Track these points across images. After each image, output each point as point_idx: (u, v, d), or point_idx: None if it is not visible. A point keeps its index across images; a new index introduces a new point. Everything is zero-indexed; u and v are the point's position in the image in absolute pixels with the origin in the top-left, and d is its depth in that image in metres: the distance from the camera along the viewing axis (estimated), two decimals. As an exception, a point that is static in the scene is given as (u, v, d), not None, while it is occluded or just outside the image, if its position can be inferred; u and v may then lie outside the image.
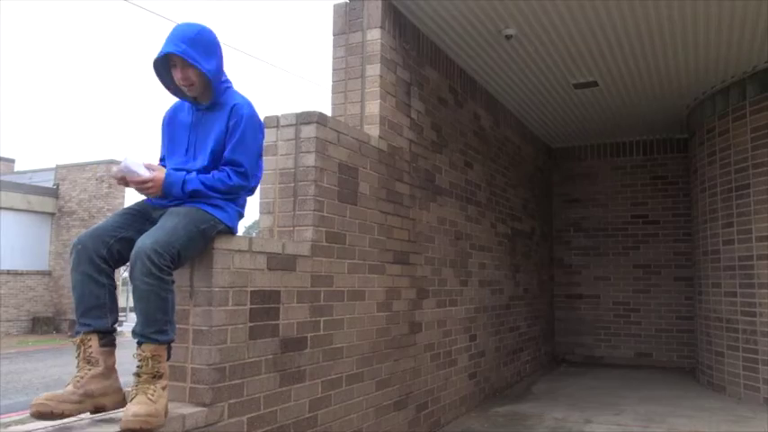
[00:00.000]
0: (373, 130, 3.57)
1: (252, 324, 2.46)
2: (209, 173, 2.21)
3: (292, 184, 2.96)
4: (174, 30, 2.20)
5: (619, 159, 7.42)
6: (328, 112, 3.56)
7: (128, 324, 14.10)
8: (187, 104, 2.34)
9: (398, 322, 3.68)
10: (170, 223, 2.04)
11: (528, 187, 6.57)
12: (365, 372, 3.29)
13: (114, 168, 2.22)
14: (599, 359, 7.22)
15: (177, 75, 2.20)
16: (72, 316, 10.12)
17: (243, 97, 2.32)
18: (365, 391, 3.29)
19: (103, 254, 2.02)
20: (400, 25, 3.90)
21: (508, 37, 4.30)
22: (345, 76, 3.71)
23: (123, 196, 13.88)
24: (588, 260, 7.46)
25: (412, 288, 3.87)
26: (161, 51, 2.16)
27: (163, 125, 2.41)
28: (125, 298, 17.98)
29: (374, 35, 3.66)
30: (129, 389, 1.93)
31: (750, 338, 5.01)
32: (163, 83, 2.29)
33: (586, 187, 7.53)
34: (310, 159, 2.93)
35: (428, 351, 4.07)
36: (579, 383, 5.92)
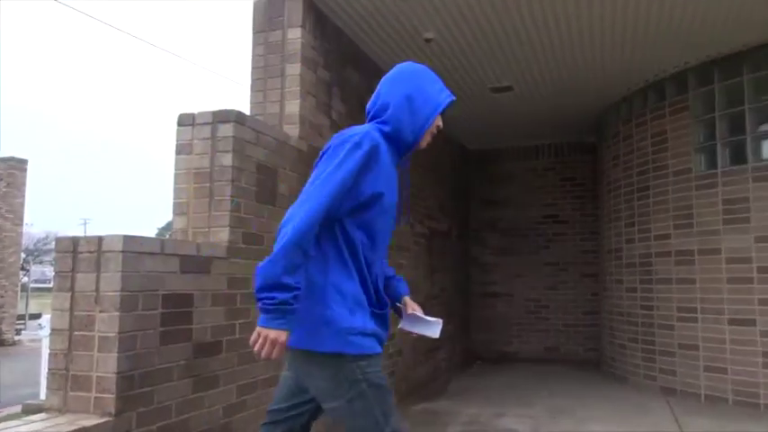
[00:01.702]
0: (293, 131, 3.54)
1: (163, 329, 2.38)
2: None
3: (208, 185, 2.88)
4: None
5: (532, 161, 7.71)
6: (247, 111, 3.50)
7: (26, 332, 13.33)
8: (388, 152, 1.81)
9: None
10: None
11: (445, 188, 6.71)
12: (281, 375, 3.25)
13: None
14: (512, 355, 7.48)
15: (438, 121, 1.93)
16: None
17: None
18: (282, 394, 3.25)
19: None
20: (321, 25, 3.88)
21: (428, 40, 4.37)
22: (265, 74, 3.65)
23: (23, 195, 12.89)
24: (503, 259, 7.71)
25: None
26: (450, 96, 1.95)
27: (382, 167, 1.75)
28: (24, 304, 16.93)
29: (295, 34, 3.62)
30: None
31: (648, 331, 5.34)
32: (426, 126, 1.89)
33: (501, 188, 7.78)
34: (227, 159, 2.86)
35: (347, 351, 4.06)
36: (493, 379, 6.11)
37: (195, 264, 2.59)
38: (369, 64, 4.57)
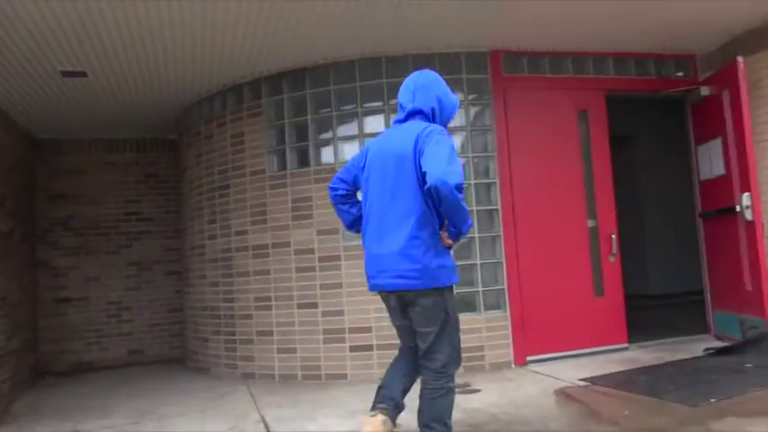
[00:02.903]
0: None
1: None
2: None
3: None
4: None
5: (112, 155, 7.25)
6: None
7: None
8: None
9: None
10: None
11: (6, 182, 5.77)
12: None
13: None
14: (89, 364, 6.90)
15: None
16: None
17: None
18: None
19: None
20: None
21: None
22: None
23: None
24: (77, 261, 7.05)
25: None
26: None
27: None
28: None
29: None
30: None
31: (230, 322, 5.63)
32: None
33: (76, 183, 7.09)
34: None
35: None
36: (66, 393, 5.55)
37: None
38: None
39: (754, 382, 3.93)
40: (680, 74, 5.84)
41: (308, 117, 5.32)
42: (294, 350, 5.21)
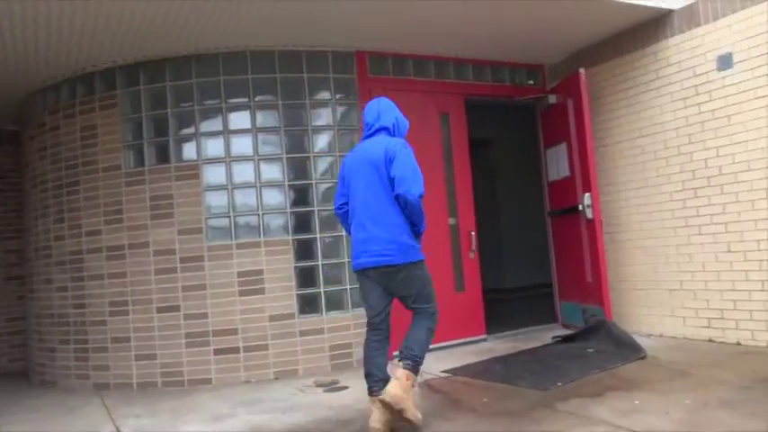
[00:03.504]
0: None
1: None
2: None
3: None
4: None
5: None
6: None
7: None
8: None
9: None
10: None
11: None
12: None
13: None
14: None
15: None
16: None
17: None
18: None
19: None
20: None
21: None
22: None
23: None
24: None
25: None
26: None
27: None
28: None
29: None
30: None
31: (80, 329, 5.22)
32: None
33: None
34: None
35: None
36: None
37: None
38: None
39: (594, 365, 4.33)
40: (531, 82, 6.29)
41: (169, 111, 5.07)
42: (154, 356, 4.95)
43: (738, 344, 4.58)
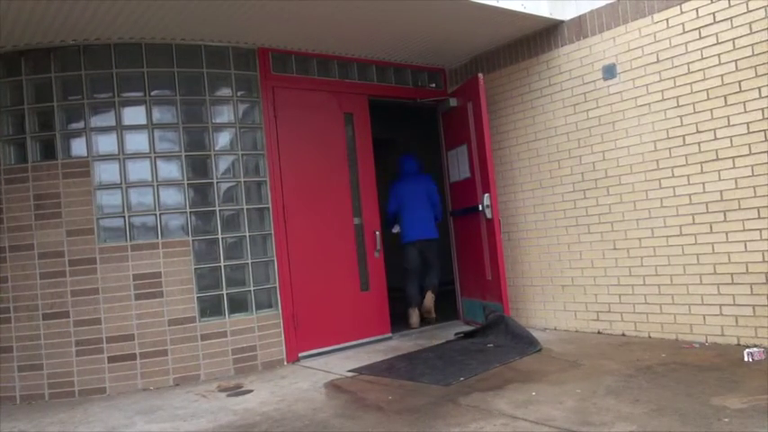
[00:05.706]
0: None
1: None
2: None
3: None
4: None
5: None
6: None
7: None
8: None
9: None
10: None
11: None
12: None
13: None
14: None
15: None
16: None
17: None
18: None
19: None
20: None
21: None
22: None
23: None
24: None
25: None
26: None
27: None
28: None
29: None
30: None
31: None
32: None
33: None
34: None
35: None
36: None
37: None
38: None
39: (494, 359, 4.50)
40: (433, 85, 6.44)
41: (55, 104, 4.74)
42: (40, 366, 4.61)
43: (623, 335, 4.92)
